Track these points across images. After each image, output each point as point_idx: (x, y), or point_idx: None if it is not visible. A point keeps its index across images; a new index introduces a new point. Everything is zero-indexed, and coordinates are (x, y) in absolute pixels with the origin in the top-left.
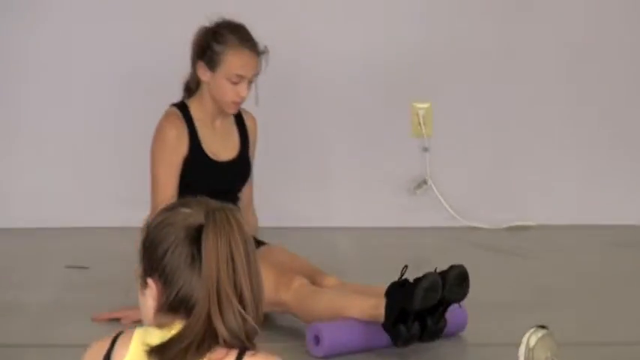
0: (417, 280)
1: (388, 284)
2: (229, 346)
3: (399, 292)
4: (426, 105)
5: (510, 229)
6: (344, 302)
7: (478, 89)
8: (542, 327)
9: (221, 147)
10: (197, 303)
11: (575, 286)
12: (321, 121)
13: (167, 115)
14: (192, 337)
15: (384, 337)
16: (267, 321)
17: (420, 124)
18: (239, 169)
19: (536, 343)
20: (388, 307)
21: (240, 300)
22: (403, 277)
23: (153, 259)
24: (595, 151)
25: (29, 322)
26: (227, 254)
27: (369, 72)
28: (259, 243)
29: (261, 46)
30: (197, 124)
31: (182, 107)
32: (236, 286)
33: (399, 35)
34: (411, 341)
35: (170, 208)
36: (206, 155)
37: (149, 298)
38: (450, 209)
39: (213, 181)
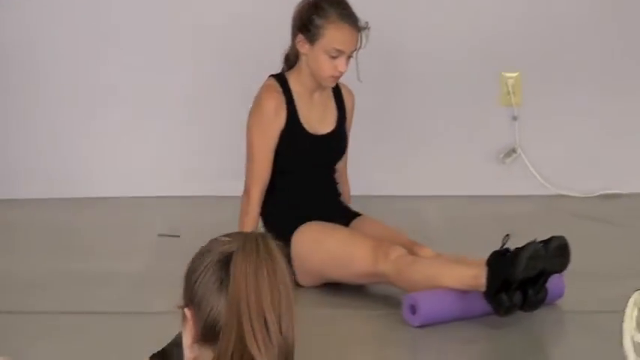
0: (519, 250)
1: (489, 254)
2: None
3: (501, 262)
4: (515, 74)
5: (602, 197)
6: (443, 272)
7: (567, 60)
8: None
9: (318, 120)
10: (223, 331)
11: None
12: (409, 89)
13: (266, 87)
14: None
15: (479, 307)
16: (363, 290)
17: (509, 93)
18: (335, 144)
19: None
20: (490, 276)
21: (266, 328)
22: (504, 247)
23: (188, 287)
24: None
25: (123, 290)
26: (253, 280)
27: (458, 42)
28: (354, 214)
29: (361, 22)
30: (295, 96)
31: (281, 79)
32: (260, 313)
33: (496, 6)
34: (512, 310)
35: (213, 239)
36: (303, 128)
37: (187, 334)
38: (539, 177)
39: (309, 154)
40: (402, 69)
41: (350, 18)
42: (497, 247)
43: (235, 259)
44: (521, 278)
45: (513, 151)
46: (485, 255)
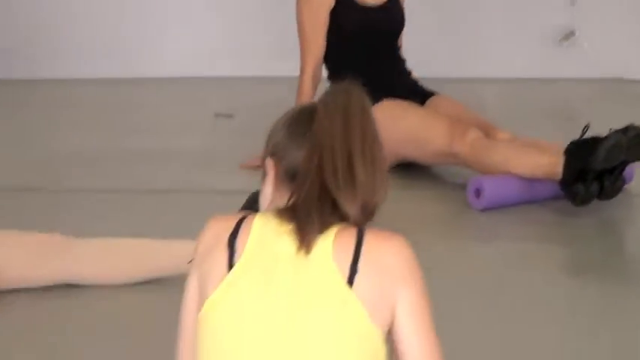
0: (599, 140)
1: (568, 142)
2: (351, 222)
3: (580, 152)
4: None
5: None
6: (519, 157)
7: None
8: None
9: None
10: (307, 175)
11: None
12: None
13: None
14: (308, 210)
15: (544, 193)
16: (430, 172)
17: None
18: (391, 15)
19: None
20: (567, 166)
21: (353, 172)
22: (583, 137)
23: (271, 140)
24: None
25: (181, 168)
26: (339, 118)
27: None
28: (429, 93)
29: None
30: None
31: None
32: (346, 149)
33: None
34: (589, 200)
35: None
36: (353, 1)
37: (267, 183)
38: (597, 61)
39: (367, 26)
40: None
41: None
42: (556, 131)
43: (321, 101)
44: (600, 168)
45: (572, 33)
46: (547, 138)
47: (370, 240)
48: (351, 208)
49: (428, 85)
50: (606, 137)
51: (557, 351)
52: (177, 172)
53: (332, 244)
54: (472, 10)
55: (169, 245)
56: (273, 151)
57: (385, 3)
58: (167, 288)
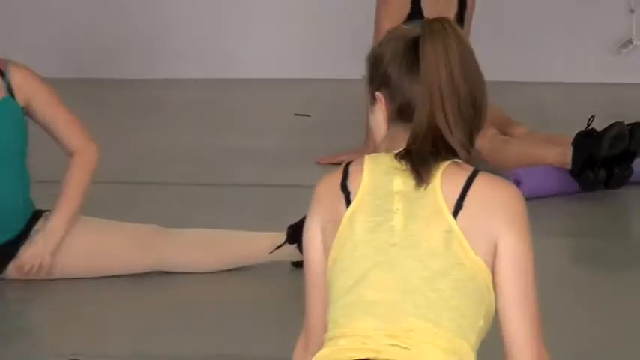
0: (605, 129)
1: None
2: (464, 160)
3: (586, 141)
4: None
5: None
6: (534, 149)
7: None
8: None
9: (441, 7)
10: (418, 108)
11: None
12: None
13: None
14: (421, 145)
15: (576, 184)
16: None
17: None
18: None
19: None
20: (575, 154)
21: (464, 115)
22: (590, 128)
23: (378, 73)
24: None
25: (262, 165)
26: (444, 58)
27: None
28: None
29: None
30: None
31: None
32: (454, 89)
33: None
34: (596, 186)
35: (393, 28)
36: (421, 12)
37: (379, 112)
38: None
39: None
40: None
41: None
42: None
43: (423, 40)
44: (605, 155)
45: (630, 42)
46: None
47: (481, 182)
48: (461, 150)
49: (490, 89)
50: (611, 126)
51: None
52: (258, 168)
53: (440, 179)
54: (534, 18)
55: (255, 236)
56: (384, 82)
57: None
58: (250, 276)
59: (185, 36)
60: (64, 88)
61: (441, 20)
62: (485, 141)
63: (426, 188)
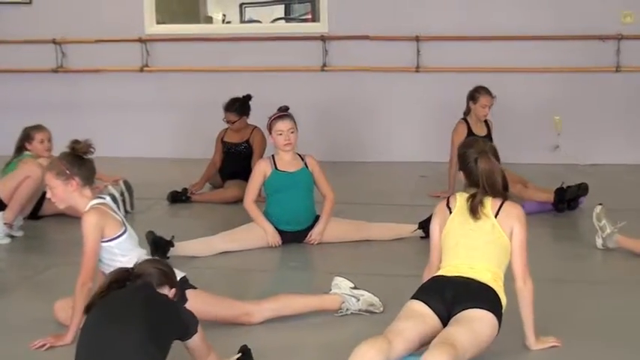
0: (567, 187)
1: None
2: (498, 196)
3: (560, 191)
4: None
5: None
6: (536, 193)
7: None
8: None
9: (479, 129)
10: (481, 186)
11: None
12: None
13: (458, 124)
14: (482, 197)
15: (552, 208)
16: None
17: None
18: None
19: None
20: (556, 196)
21: (497, 186)
22: (562, 186)
23: (464, 162)
24: None
25: (393, 216)
26: (488, 162)
27: None
28: None
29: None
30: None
31: (465, 120)
32: (496, 177)
33: None
34: (563, 210)
35: (471, 140)
36: (474, 135)
37: (465, 178)
38: None
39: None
40: None
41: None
42: None
43: (479, 156)
44: (568, 198)
45: None
46: None
47: (506, 205)
48: (496, 196)
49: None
50: (569, 186)
51: None
52: (394, 214)
53: (490, 203)
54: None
55: (401, 227)
56: (466, 168)
57: (486, 134)
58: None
59: None
60: None
61: (485, 142)
62: (515, 189)
63: (482, 210)
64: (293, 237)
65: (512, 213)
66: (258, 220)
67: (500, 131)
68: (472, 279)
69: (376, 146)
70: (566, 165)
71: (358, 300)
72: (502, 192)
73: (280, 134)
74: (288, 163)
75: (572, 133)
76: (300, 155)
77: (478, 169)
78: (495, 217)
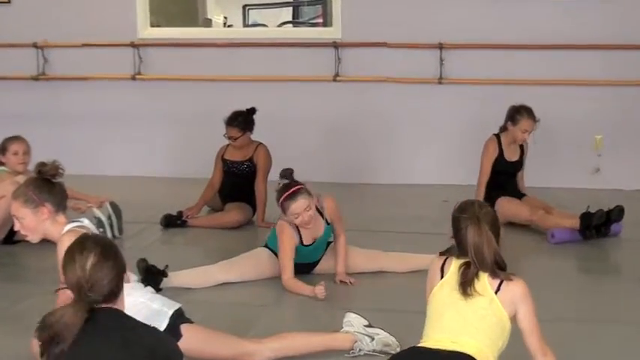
0: (595, 212)
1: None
2: (494, 276)
3: (586, 216)
4: None
5: None
6: (560, 220)
7: None
8: None
9: (512, 151)
10: (470, 258)
11: None
12: None
13: (489, 139)
14: (473, 271)
15: (579, 236)
16: (525, 227)
17: None
18: (516, 168)
19: None
20: (581, 222)
21: (485, 260)
22: (587, 210)
23: (455, 227)
24: None
25: (411, 246)
26: (478, 231)
27: None
28: (522, 194)
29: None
30: (504, 145)
31: (498, 137)
32: (488, 251)
33: None
34: (591, 237)
35: (465, 202)
36: (504, 158)
37: (454, 243)
38: None
39: (500, 167)
40: None
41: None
42: None
43: (469, 224)
44: (595, 223)
45: None
46: None
47: (505, 282)
48: (487, 270)
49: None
50: (597, 211)
51: None
52: (415, 243)
53: (487, 279)
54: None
55: (419, 257)
56: (457, 236)
57: (516, 160)
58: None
59: None
60: None
61: (478, 205)
62: (537, 216)
63: (476, 286)
64: (302, 268)
65: (516, 292)
66: (305, 293)
67: (534, 150)
68: (455, 351)
69: (393, 167)
70: (610, 190)
71: (373, 339)
72: (494, 269)
73: (297, 217)
74: (311, 232)
75: (617, 154)
76: (318, 208)
77: (467, 240)
78: (496, 292)
